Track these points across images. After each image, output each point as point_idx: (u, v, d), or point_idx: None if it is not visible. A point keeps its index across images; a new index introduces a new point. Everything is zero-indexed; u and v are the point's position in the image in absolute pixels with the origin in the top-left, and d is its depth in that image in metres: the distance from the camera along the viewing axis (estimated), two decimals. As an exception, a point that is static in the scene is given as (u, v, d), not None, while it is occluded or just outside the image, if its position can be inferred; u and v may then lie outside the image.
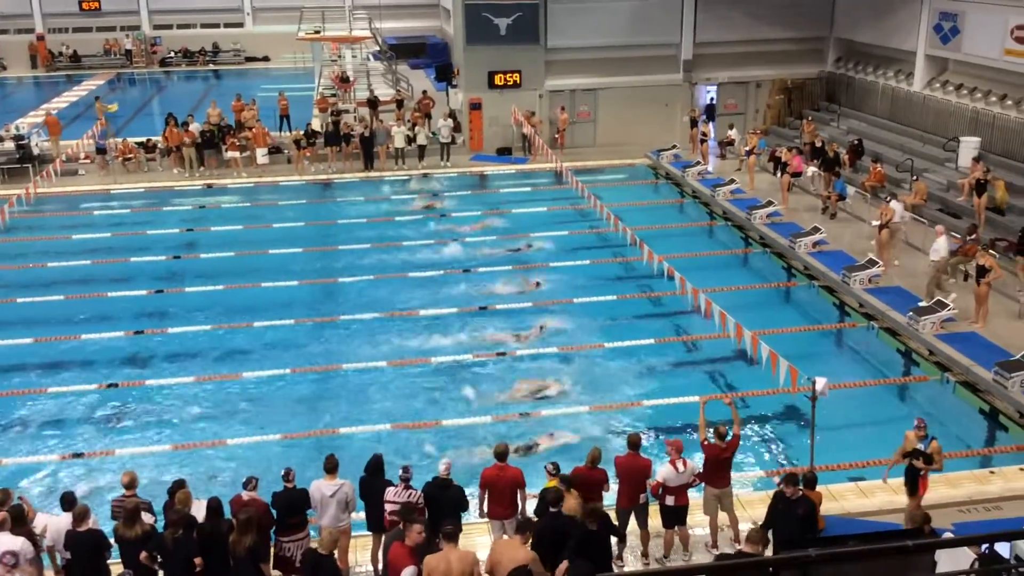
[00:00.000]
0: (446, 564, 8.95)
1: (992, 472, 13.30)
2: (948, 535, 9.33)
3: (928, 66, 27.70)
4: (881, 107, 29.24)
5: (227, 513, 10.15)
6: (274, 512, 10.51)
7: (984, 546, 8.56)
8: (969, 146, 23.87)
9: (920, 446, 11.74)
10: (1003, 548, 9.15)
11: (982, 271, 17.01)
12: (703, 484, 11.47)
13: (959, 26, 25.97)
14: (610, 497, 11.29)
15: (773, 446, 14.59)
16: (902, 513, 11.85)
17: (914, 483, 11.83)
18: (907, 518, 10.15)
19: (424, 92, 33.25)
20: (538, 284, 20.62)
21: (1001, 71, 24.75)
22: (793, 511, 10.33)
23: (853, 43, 31.83)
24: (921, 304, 17.58)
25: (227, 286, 20.68)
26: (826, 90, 32.30)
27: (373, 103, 32.20)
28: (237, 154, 29.10)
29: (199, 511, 10.11)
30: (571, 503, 10.36)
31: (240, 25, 51.01)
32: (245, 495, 10.55)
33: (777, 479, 11.98)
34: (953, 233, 20.50)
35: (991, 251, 17.67)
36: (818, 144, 24.56)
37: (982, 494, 12.65)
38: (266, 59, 49.80)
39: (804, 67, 32.61)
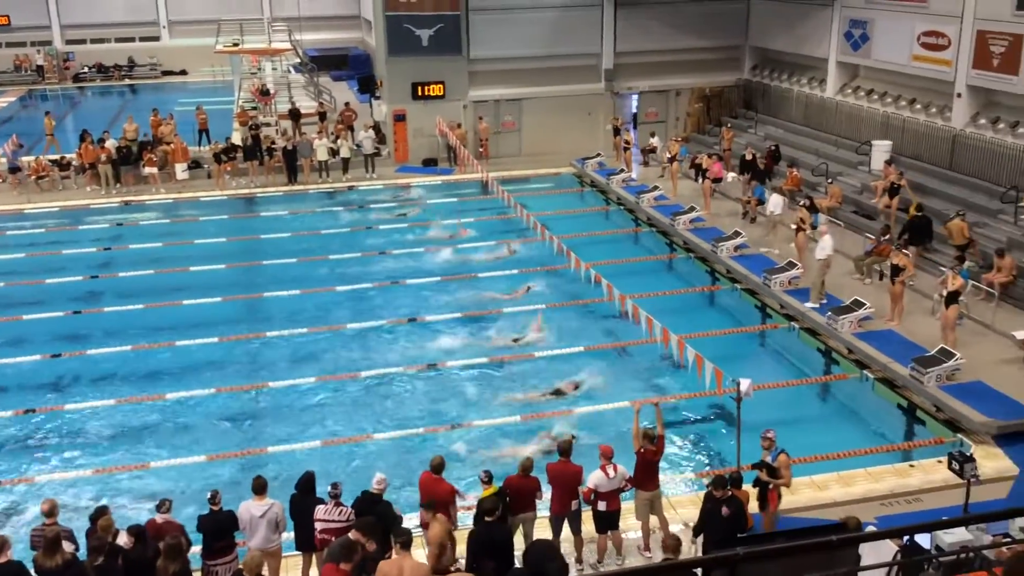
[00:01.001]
0: (398, 570, 8.87)
1: (912, 466, 13.69)
2: (871, 528, 9.55)
3: (840, 72, 28.51)
4: (796, 113, 29.97)
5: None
6: (198, 536, 10.30)
7: (906, 538, 8.84)
8: (881, 149, 24.62)
9: (768, 458, 11.53)
10: (923, 539, 9.44)
11: (896, 270, 17.53)
12: (634, 489, 11.56)
13: (868, 33, 26.80)
14: (543, 504, 11.32)
15: (701, 447, 14.80)
16: (828, 508, 12.15)
17: (764, 496, 11.54)
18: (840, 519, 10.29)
19: (347, 104, 32.99)
20: (528, 288, 20.84)
21: (909, 76, 25.58)
22: (721, 510, 10.49)
23: (768, 51, 32.59)
24: (836, 303, 18.04)
25: (147, 305, 20.20)
26: (743, 97, 32.99)
27: (295, 115, 31.84)
28: (155, 170, 28.44)
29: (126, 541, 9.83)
30: (436, 529, 9.85)
31: (156, 39, 49.83)
32: (159, 518, 10.32)
33: (706, 480, 12.14)
34: (867, 234, 21.13)
35: (904, 251, 18.20)
36: (748, 157, 25.05)
37: (903, 487, 13.01)
38: (184, 73, 48.77)
39: (721, 75, 33.27)
